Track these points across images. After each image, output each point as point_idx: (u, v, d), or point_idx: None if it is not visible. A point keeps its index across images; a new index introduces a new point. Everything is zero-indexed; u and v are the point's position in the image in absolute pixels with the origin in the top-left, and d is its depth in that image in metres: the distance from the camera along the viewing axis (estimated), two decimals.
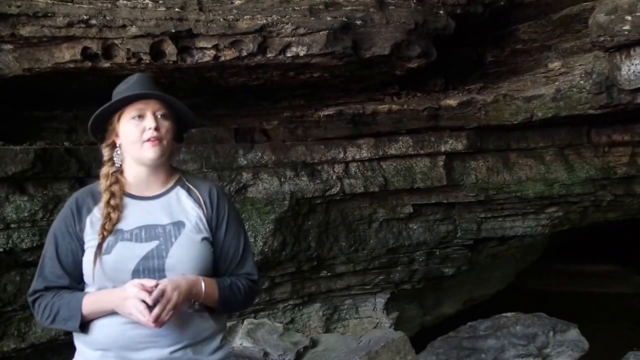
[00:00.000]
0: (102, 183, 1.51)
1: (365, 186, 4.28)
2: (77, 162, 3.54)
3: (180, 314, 1.42)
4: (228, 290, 1.51)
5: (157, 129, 1.48)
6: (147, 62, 3.24)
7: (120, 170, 1.54)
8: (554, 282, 7.51)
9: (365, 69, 3.80)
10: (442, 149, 4.34)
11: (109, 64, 3.27)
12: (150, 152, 1.48)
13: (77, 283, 1.50)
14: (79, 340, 1.51)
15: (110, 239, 1.46)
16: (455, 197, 4.53)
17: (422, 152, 4.34)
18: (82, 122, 3.93)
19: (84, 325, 1.46)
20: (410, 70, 3.89)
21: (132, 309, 1.36)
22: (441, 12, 3.88)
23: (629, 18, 3.15)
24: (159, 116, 1.50)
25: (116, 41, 3.20)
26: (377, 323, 4.78)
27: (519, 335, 3.70)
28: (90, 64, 3.25)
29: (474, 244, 4.85)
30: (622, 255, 7.71)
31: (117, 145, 1.53)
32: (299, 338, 3.68)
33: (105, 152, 1.55)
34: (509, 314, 3.94)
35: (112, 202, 1.48)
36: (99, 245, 1.44)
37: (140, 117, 1.49)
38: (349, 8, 3.58)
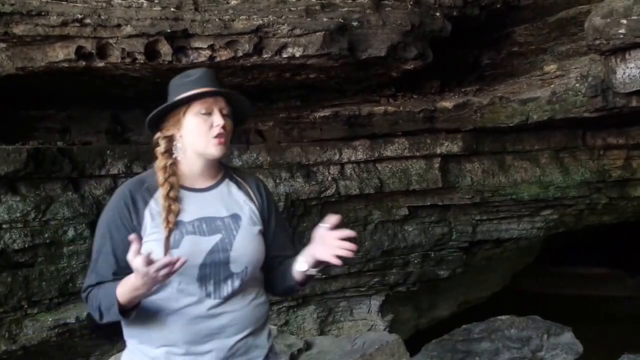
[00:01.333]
0: (160, 175, 1.51)
1: (360, 188, 4.27)
2: (70, 162, 3.51)
3: (244, 304, 1.49)
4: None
5: (224, 127, 1.51)
6: (142, 61, 3.22)
7: (175, 163, 1.54)
8: (549, 284, 7.52)
9: (361, 70, 3.79)
10: (438, 151, 4.33)
11: (103, 64, 3.24)
12: (216, 149, 1.51)
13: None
14: (136, 339, 1.51)
15: (174, 232, 1.46)
16: (450, 199, 4.53)
17: (417, 154, 4.34)
18: (76, 122, 3.91)
19: (127, 314, 1.42)
20: (407, 71, 3.88)
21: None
22: (437, 14, 3.88)
23: (625, 22, 3.16)
24: (224, 114, 1.53)
25: (111, 41, 3.17)
26: (372, 325, 4.77)
27: (514, 338, 3.70)
28: (84, 63, 3.22)
29: (469, 246, 4.85)
30: (617, 258, 7.73)
31: (177, 137, 1.54)
32: (293, 340, 3.66)
33: (162, 144, 1.55)
34: (503, 317, 3.94)
35: (172, 194, 1.49)
36: (167, 239, 1.44)
37: (209, 113, 1.51)
38: (345, 9, 3.56)
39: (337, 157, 4.24)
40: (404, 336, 4.29)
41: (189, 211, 1.50)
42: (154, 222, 1.48)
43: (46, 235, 3.42)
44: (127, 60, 3.21)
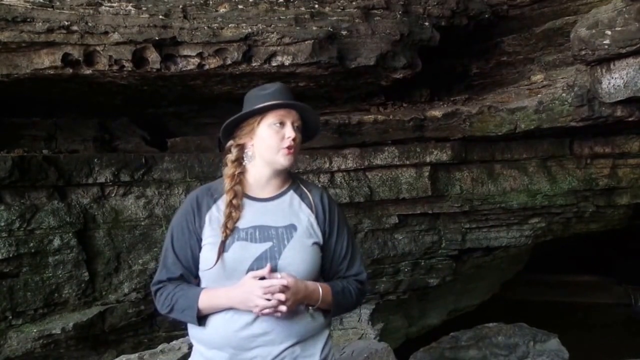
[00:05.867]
0: (227, 183, 1.60)
1: (350, 196, 4.26)
2: (56, 171, 3.47)
3: (291, 313, 1.49)
4: (341, 295, 1.60)
5: (294, 139, 1.57)
6: (130, 69, 3.19)
7: (243, 172, 1.61)
8: (537, 292, 7.57)
9: (351, 79, 3.79)
10: (427, 160, 4.34)
11: (90, 71, 3.20)
12: (285, 160, 1.58)
13: (193, 277, 1.58)
14: (195, 339, 1.60)
15: (228, 237, 1.53)
16: (440, 207, 4.54)
17: (407, 162, 4.34)
18: (62, 129, 3.86)
19: (201, 320, 1.54)
20: (396, 80, 3.89)
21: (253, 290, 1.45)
22: (426, 23, 3.90)
23: (609, 33, 3.21)
24: (296, 127, 1.60)
25: (98, 48, 3.13)
26: (362, 334, 4.75)
27: (501, 345, 3.72)
28: (71, 70, 3.18)
29: (458, 254, 4.86)
30: (604, 265, 7.80)
31: (249, 146, 1.61)
32: None
33: (234, 152, 1.63)
34: (491, 325, 3.97)
35: (235, 201, 1.57)
36: (222, 243, 1.51)
37: (281, 124, 1.57)
38: (334, 18, 3.57)
39: (327, 165, 4.23)
40: (395, 345, 4.29)
41: (247, 218, 1.57)
42: (211, 226, 1.56)
43: (31, 244, 3.37)
44: (115, 67, 3.18)
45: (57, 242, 3.44)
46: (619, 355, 4.05)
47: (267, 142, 1.58)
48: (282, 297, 1.43)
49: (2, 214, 3.27)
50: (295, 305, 1.49)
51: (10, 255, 3.29)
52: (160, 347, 3.18)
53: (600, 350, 5.17)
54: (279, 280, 1.46)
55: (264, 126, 1.59)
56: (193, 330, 1.60)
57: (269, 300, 1.44)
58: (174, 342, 3.22)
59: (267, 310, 1.45)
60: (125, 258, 3.68)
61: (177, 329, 3.71)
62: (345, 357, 3.49)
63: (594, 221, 5.04)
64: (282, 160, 1.58)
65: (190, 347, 1.78)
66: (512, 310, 6.01)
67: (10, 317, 3.32)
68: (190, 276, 1.60)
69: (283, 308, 1.44)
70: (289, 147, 1.57)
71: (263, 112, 1.59)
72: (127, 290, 3.68)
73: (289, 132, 1.58)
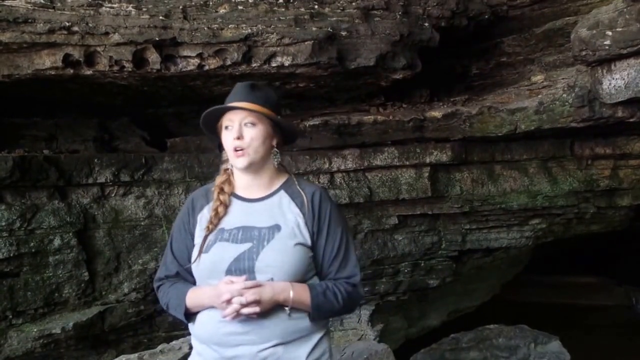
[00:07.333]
0: (216, 180, 1.64)
1: (350, 197, 4.26)
2: (57, 171, 3.48)
3: (272, 314, 1.48)
4: (322, 297, 1.54)
5: (239, 138, 1.55)
6: (130, 70, 3.20)
7: (233, 171, 1.64)
8: (537, 293, 7.55)
9: (351, 79, 3.80)
10: (427, 160, 4.34)
11: (91, 72, 3.21)
12: (237, 162, 1.57)
13: (190, 275, 1.60)
14: (192, 334, 1.64)
15: (211, 237, 1.54)
16: (440, 208, 4.53)
17: (407, 163, 4.34)
18: (63, 130, 3.87)
19: (192, 316, 1.57)
20: (396, 81, 3.89)
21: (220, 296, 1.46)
22: (426, 24, 3.90)
23: (610, 33, 3.20)
24: (246, 124, 1.56)
25: (98, 48, 3.15)
26: (362, 335, 4.74)
27: (502, 347, 3.71)
28: (71, 71, 3.20)
29: (458, 255, 4.85)
30: (605, 267, 7.78)
31: None
32: None
33: (223, 154, 1.66)
34: (491, 326, 3.96)
35: (221, 197, 1.58)
36: (205, 238, 1.54)
37: (231, 127, 1.57)
38: (334, 19, 3.58)
39: (326, 166, 4.23)
40: (395, 346, 4.28)
41: (233, 219, 1.57)
42: (201, 226, 1.59)
43: (32, 244, 3.38)
44: (115, 68, 3.19)
45: (57, 242, 3.45)
46: (620, 357, 4.04)
47: (225, 147, 1.61)
48: (239, 302, 1.44)
49: (3, 213, 3.29)
50: (265, 308, 1.47)
51: (11, 255, 3.30)
52: (160, 347, 3.19)
53: (601, 352, 5.15)
54: (230, 287, 1.46)
55: (222, 131, 1.62)
56: (190, 325, 1.64)
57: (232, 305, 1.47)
58: (174, 342, 3.23)
59: (231, 316, 1.46)
60: (125, 258, 3.69)
61: (177, 329, 3.72)
62: (345, 358, 3.49)
63: (594, 222, 5.03)
64: (235, 162, 1.58)
65: (191, 347, 1.79)
66: (512, 311, 5.99)
67: (11, 316, 3.33)
68: (187, 274, 1.62)
69: (245, 310, 1.44)
70: (235, 149, 1.56)
71: (218, 118, 1.61)
72: (127, 290, 3.69)
73: (233, 133, 1.56)
